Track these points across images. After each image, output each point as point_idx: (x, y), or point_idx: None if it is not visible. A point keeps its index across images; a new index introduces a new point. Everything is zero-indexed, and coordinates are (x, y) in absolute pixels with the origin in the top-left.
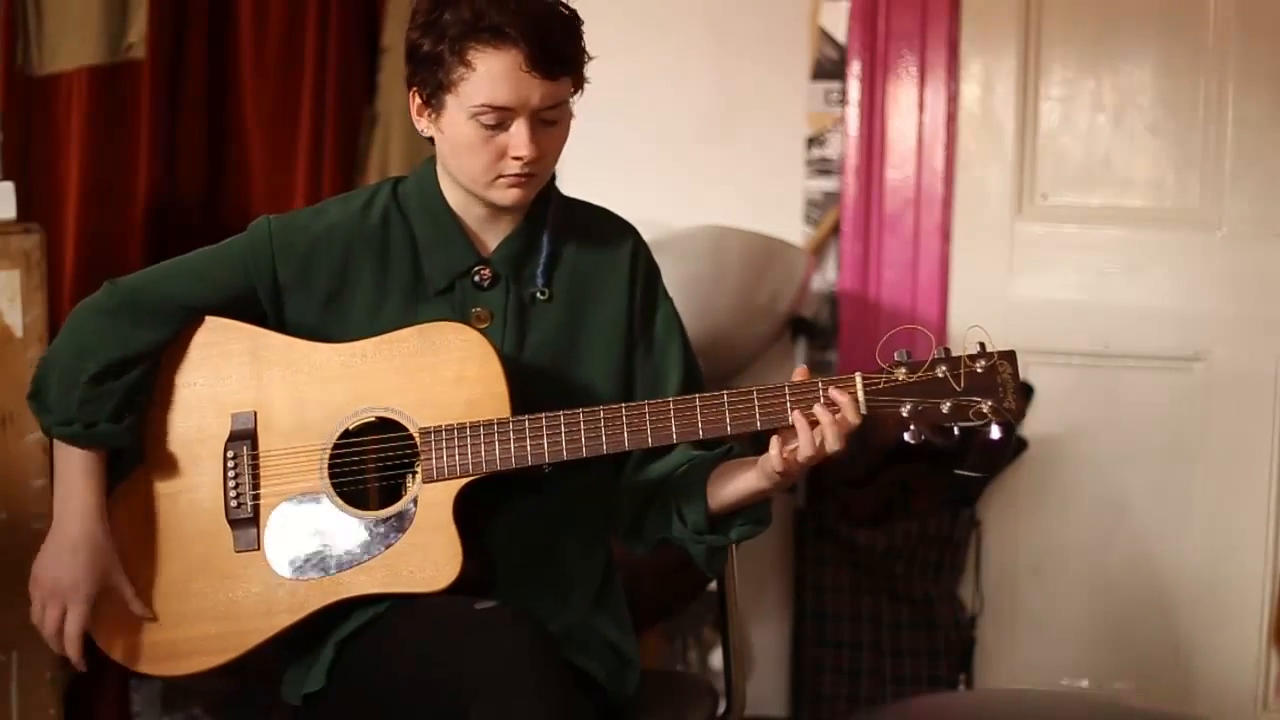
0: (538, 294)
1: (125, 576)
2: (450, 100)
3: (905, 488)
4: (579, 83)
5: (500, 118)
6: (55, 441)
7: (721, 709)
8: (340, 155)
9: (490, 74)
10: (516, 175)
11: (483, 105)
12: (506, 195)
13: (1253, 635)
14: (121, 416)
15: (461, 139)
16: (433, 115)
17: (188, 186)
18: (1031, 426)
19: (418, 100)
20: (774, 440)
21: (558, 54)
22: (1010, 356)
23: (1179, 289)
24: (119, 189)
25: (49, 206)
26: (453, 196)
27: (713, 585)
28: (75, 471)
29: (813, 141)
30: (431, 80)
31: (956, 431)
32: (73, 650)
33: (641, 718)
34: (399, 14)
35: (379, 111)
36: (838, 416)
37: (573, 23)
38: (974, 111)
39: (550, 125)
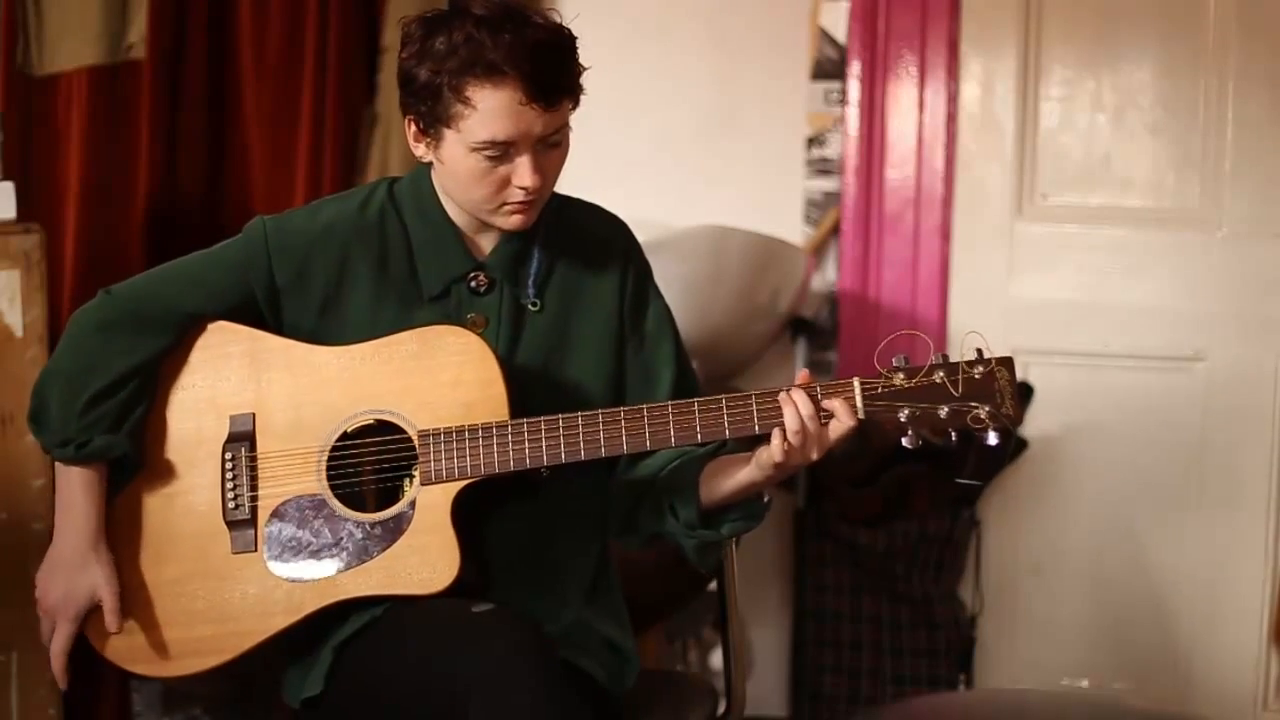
0: (529, 305)
1: (113, 589)
2: (450, 134)
3: (905, 488)
4: (577, 99)
5: (503, 150)
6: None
7: (721, 709)
8: (340, 155)
9: (491, 111)
10: (520, 202)
11: (485, 142)
12: (511, 221)
13: (1252, 635)
14: (119, 426)
15: (464, 171)
16: (431, 144)
17: (188, 187)
18: (1031, 426)
19: (414, 128)
20: (775, 433)
21: (556, 83)
22: (1008, 362)
23: (1179, 289)
24: (119, 189)
25: (49, 206)
26: (448, 202)
27: (713, 585)
28: (75, 486)
29: (813, 141)
30: (429, 113)
31: (954, 437)
32: (55, 666)
33: (641, 718)
34: (399, 14)
35: (379, 111)
36: (834, 420)
37: (568, 45)
38: (974, 111)
39: (553, 148)
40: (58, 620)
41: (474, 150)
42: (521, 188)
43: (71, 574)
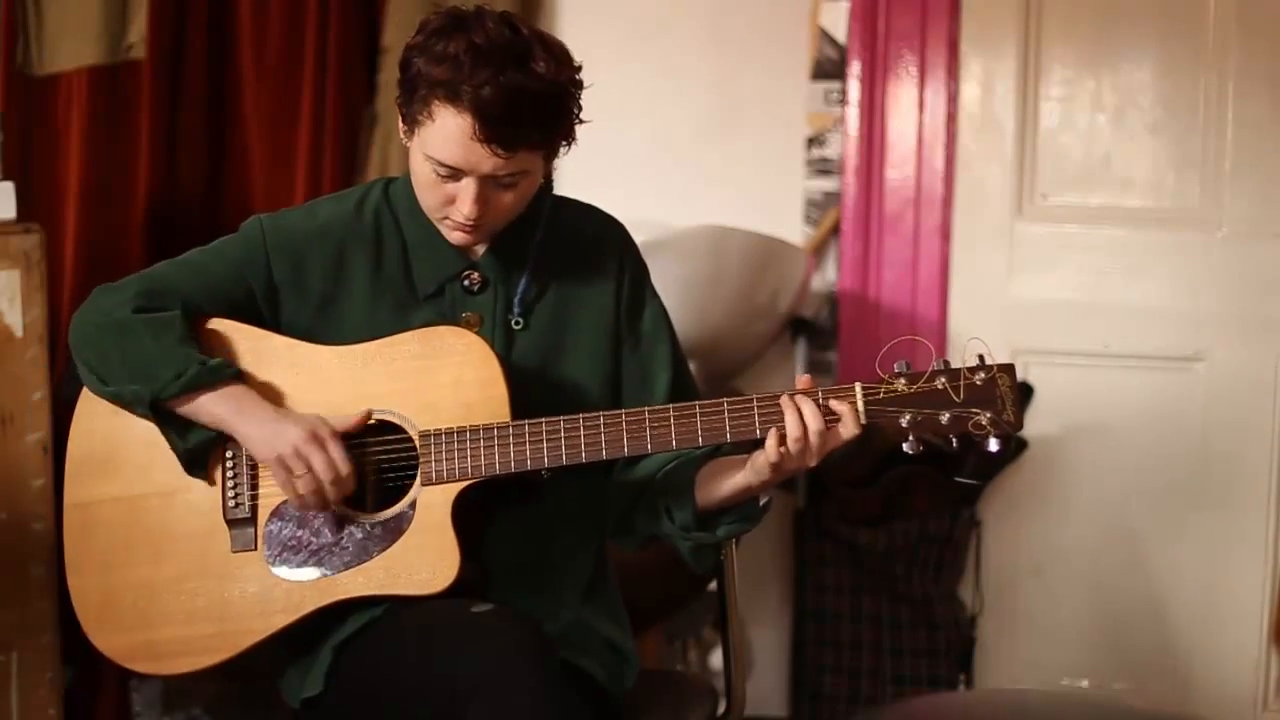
0: (514, 323)
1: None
2: (414, 135)
3: (905, 488)
4: (555, 150)
5: (451, 171)
6: (182, 402)
7: (721, 709)
8: (340, 155)
9: (444, 132)
10: (462, 223)
11: (433, 159)
12: (452, 236)
13: (1252, 636)
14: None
15: (418, 173)
16: (407, 134)
17: (188, 186)
18: (1031, 426)
19: (400, 113)
20: (771, 434)
21: (517, 133)
22: (1009, 369)
23: (1179, 289)
24: (119, 189)
25: (49, 206)
26: None
27: (713, 585)
28: (234, 395)
29: (813, 141)
30: (406, 105)
31: (955, 443)
32: (347, 467)
33: (641, 718)
34: (399, 14)
35: (379, 111)
36: (835, 426)
37: (555, 100)
38: (974, 111)
39: (506, 188)
40: (323, 442)
41: (426, 160)
42: (461, 211)
43: (291, 416)
